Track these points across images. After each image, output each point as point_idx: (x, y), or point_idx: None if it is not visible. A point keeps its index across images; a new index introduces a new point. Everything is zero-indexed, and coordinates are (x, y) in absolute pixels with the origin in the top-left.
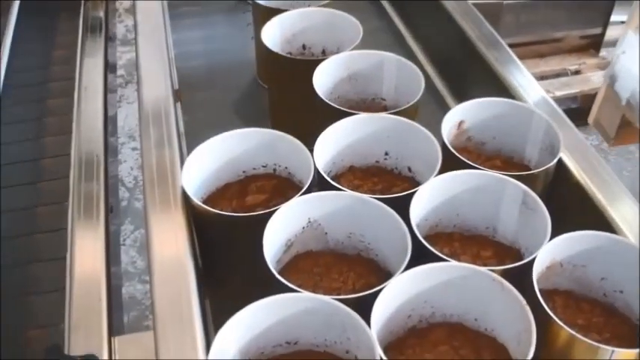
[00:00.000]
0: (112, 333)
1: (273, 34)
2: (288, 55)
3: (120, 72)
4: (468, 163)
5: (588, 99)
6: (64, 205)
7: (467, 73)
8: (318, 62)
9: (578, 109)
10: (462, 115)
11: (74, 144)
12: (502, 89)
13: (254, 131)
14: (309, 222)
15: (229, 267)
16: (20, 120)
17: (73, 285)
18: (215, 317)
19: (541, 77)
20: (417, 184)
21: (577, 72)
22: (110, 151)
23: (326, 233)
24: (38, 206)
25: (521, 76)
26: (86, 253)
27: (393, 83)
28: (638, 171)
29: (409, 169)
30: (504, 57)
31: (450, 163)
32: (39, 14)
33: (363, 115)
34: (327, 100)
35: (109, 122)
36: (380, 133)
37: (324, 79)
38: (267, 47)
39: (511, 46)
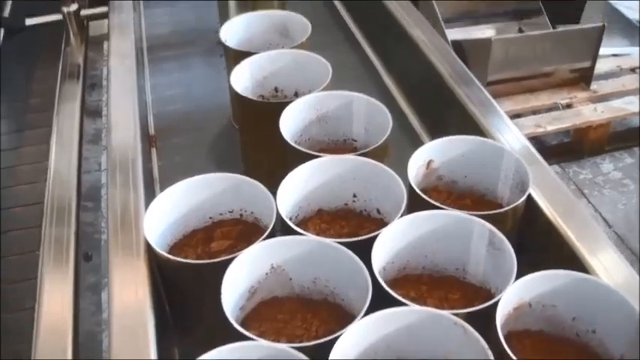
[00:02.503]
0: None
1: (244, 77)
2: (258, 99)
3: None
4: (432, 204)
5: (581, 133)
6: (33, 254)
7: (441, 111)
8: (285, 105)
9: (571, 143)
10: (431, 155)
11: (48, 192)
12: (474, 127)
13: (219, 176)
14: (273, 267)
15: (195, 314)
16: None
17: (38, 339)
18: None
19: (532, 112)
20: (386, 226)
21: (568, 106)
22: (94, 196)
23: (290, 279)
24: (9, 256)
25: (494, 114)
26: (53, 305)
27: (362, 124)
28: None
29: (378, 211)
30: (477, 95)
31: (417, 203)
32: (17, 61)
33: (326, 158)
34: (291, 143)
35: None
36: (346, 175)
37: (292, 122)
38: (236, 91)
39: (501, 81)
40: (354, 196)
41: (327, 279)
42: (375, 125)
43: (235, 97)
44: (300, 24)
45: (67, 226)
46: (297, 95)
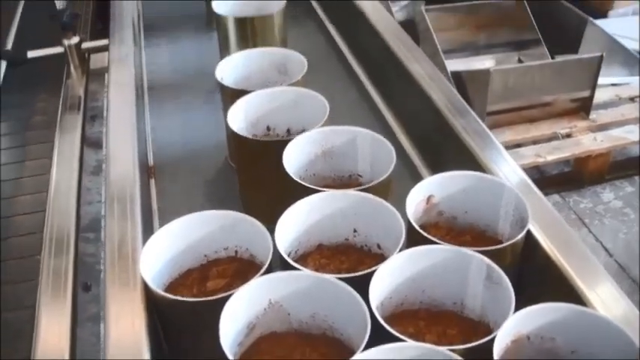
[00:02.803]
0: None
1: (239, 116)
2: (253, 137)
3: None
4: (430, 239)
5: (581, 162)
6: (30, 283)
7: (439, 145)
8: (282, 142)
9: (571, 173)
10: (430, 190)
11: (47, 223)
12: (472, 159)
13: (215, 214)
14: (271, 303)
15: (192, 352)
16: None
17: None
18: None
19: (533, 142)
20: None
21: (568, 135)
22: (95, 227)
23: (289, 314)
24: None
25: (491, 146)
26: (50, 335)
27: (367, 159)
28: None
29: (379, 247)
30: (474, 127)
31: (416, 239)
32: (18, 93)
33: (328, 192)
34: (294, 178)
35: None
36: (347, 211)
37: (296, 157)
38: (232, 129)
39: (501, 111)
40: (355, 231)
41: (326, 314)
42: (380, 161)
43: (231, 135)
44: (298, 62)
45: (65, 256)
46: (289, 133)
